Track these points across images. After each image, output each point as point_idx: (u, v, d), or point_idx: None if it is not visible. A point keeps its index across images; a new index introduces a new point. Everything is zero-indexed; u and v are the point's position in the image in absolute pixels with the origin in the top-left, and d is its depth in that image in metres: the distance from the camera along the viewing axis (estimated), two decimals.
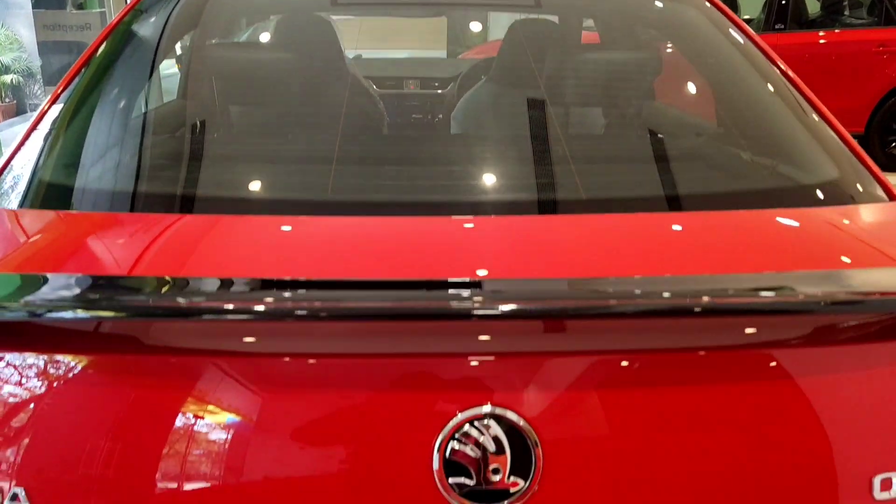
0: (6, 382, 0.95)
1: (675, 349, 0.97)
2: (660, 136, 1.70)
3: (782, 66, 1.62)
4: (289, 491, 0.91)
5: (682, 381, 0.95)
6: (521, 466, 0.90)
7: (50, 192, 1.31)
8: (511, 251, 1.14)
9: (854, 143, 1.46)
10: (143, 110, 1.57)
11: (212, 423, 0.92)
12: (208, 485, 0.91)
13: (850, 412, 0.97)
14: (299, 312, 0.88)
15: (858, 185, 1.36)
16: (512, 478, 0.90)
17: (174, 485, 0.91)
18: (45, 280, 0.98)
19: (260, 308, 0.88)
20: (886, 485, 0.95)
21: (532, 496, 0.90)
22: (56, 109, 1.46)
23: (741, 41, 1.68)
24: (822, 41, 7.71)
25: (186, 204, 1.27)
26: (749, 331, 0.98)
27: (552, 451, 0.91)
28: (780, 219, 1.25)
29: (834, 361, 0.98)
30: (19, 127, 10.24)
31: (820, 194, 1.35)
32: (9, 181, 1.32)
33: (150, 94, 1.63)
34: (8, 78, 10.66)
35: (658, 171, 1.47)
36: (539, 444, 0.90)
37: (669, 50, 1.94)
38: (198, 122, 1.66)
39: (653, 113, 1.79)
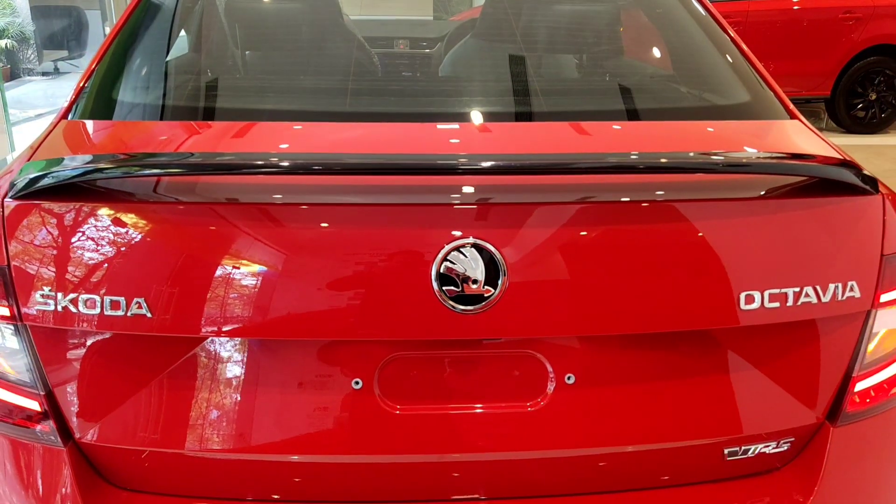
0: (120, 227, 1.33)
1: (605, 202, 1.37)
2: (619, 72, 2.14)
3: (718, 18, 2.04)
4: (322, 293, 1.30)
5: (609, 223, 1.35)
6: (492, 280, 1.30)
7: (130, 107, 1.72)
8: (493, 138, 1.59)
9: (770, 78, 1.89)
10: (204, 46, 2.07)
11: (263, 252, 1.31)
12: (259, 291, 1.31)
13: (723, 249, 1.38)
14: (337, 169, 1.30)
15: (766, 107, 1.79)
16: (485, 287, 1.31)
17: (235, 289, 1.31)
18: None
19: (314, 165, 1.30)
20: (749, 299, 1.37)
21: (500, 300, 1.31)
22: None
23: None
24: (792, 7, 8.09)
25: (253, 114, 1.71)
26: (665, 188, 1.39)
27: (514, 270, 1.30)
28: (687, 123, 1.71)
29: (714, 212, 1.39)
30: (14, 91, 10.45)
31: (734, 112, 1.80)
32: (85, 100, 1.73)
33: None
34: (2, 42, 10.87)
35: (617, 94, 1.93)
36: (505, 264, 1.30)
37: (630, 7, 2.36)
38: (248, 61, 2.17)
39: (613, 55, 2.22)
